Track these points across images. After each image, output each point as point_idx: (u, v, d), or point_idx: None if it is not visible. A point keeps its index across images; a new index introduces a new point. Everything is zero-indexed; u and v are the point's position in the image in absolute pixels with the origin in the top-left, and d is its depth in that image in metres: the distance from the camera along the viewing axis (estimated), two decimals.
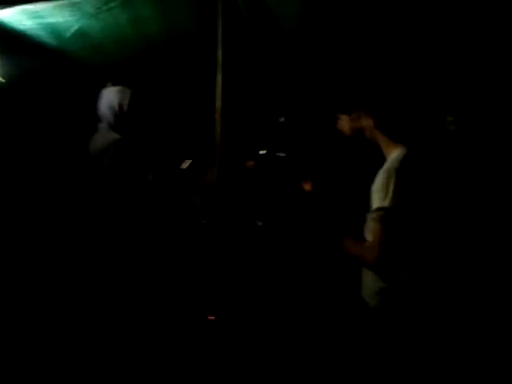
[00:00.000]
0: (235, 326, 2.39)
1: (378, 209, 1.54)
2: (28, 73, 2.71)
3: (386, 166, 1.62)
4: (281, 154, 2.26)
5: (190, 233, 2.85)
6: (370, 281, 1.67)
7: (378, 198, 1.56)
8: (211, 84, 2.00)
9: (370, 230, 1.58)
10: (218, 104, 1.93)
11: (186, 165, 2.35)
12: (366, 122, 1.71)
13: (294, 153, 2.33)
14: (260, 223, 2.81)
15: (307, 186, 2.53)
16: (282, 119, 2.97)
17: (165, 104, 3.11)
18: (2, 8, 2.14)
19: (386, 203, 1.51)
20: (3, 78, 2.52)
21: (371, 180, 1.64)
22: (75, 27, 2.44)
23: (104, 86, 2.43)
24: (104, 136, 2.24)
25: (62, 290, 2.31)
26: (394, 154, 1.64)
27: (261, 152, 2.28)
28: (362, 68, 2.65)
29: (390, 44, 2.42)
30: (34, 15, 2.25)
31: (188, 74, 2.98)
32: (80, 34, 2.51)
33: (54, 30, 2.45)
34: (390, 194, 1.51)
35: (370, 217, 1.58)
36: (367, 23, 2.27)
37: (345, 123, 2.20)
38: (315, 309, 2.44)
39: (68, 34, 2.52)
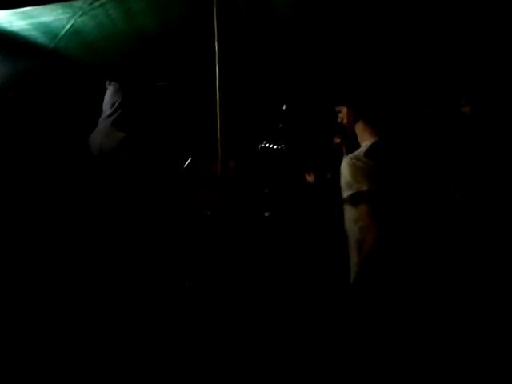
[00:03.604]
0: (237, 322, 2.38)
1: (351, 195, 1.59)
2: (22, 74, 2.68)
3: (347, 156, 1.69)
4: (280, 147, 2.25)
5: (195, 224, 2.85)
6: (354, 265, 1.68)
7: (344, 187, 1.64)
8: (210, 77, 1.97)
9: (356, 217, 1.60)
10: (218, 96, 1.91)
11: (186, 163, 2.37)
12: (344, 114, 1.76)
13: (295, 144, 2.31)
14: (267, 214, 2.80)
15: (310, 178, 2.52)
16: (284, 107, 2.94)
17: (167, 99, 3.10)
18: None
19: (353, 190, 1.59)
20: None
21: None
22: (68, 25, 2.38)
23: (100, 84, 2.43)
24: (108, 134, 2.27)
25: (64, 287, 2.33)
26: (363, 145, 1.68)
27: (261, 145, 2.27)
28: (353, 59, 2.61)
29: (383, 35, 2.37)
30: (25, 15, 2.20)
31: (187, 68, 2.93)
32: (74, 32, 2.45)
33: (46, 29, 2.40)
34: (352, 180, 1.59)
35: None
36: (360, 13, 2.22)
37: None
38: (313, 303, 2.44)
39: (61, 33, 2.47)
